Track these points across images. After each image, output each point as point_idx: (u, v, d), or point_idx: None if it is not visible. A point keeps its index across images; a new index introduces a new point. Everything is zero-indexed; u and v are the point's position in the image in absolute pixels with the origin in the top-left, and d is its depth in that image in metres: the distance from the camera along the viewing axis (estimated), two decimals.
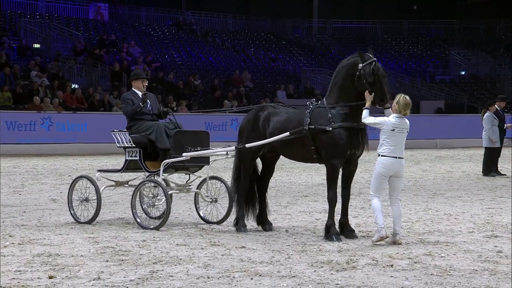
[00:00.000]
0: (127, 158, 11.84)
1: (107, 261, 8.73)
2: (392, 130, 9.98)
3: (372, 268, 8.32)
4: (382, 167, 9.98)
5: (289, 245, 9.78)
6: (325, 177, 10.52)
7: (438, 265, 8.48)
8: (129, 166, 11.90)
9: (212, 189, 11.86)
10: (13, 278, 7.82)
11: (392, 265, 8.46)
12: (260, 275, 7.95)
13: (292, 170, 21.42)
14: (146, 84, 12.29)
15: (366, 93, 10.14)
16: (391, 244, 9.85)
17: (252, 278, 7.82)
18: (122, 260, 8.75)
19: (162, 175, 11.51)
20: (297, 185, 17.75)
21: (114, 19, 47.56)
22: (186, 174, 12.06)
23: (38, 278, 7.85)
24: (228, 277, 7.87)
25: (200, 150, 11.46)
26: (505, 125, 21.17)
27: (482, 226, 11.49)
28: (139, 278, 7.81)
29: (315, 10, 54.24)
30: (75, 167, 22.50)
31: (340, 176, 10.48)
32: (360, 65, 10.23)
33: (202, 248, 9.57)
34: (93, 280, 7.73)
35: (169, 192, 11.46)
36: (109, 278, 7.82)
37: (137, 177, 12.59)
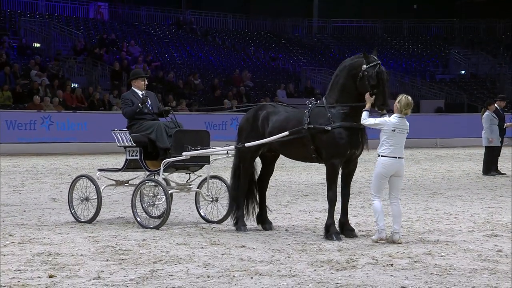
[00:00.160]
0: (128, 157, 11.84)
1: (107, 260, 8.73)
2: (393, 130, 9.99)
3: (372, 267, 8.32)
4: (382, 167, 9.99)
5: (289, 244, 9.79)
6: (325, 176, 10.52)
7: (438, 264, 8.48)
8: (130, 166, 11.90)
9: (213, 188, 11.86)
10: (13, 277, 7.83)
11: (392, 264, 8.46)
12: (260, 274, 7.95)
13: (292, 169, 21.42)
14: (146, 83, 12.30)
15: (367, 95, 10.13)
16: (391, 243, 9.85)
17: (252, 277, 7.82)
18: (122, 259, 8.75)
19: (163, 175, 11.51)
20: (297, 184, 17.75)
21: (114, 18, 47.57)
22: (186, 173, 12.06)
23: (38, 277, 7.85)
24: (228, 276, 7.87)
25: (200, 149, 11.46)
26: (505, 124, 21.17)
27: (482, 225, 11.50)
28: (139, 277, 7.82)
29: (315, 9, 54.26)
30: (75, 166, 22.50)
31: (339, 175, 10.48)
32: (364, 66, 10.21)
33: (202, 247, 9.57)
34: (93, 279, 7.73)
35: (170, 192, 11.46)
36: (109, 277, 7.83)
37: (138, 176, 12.59)
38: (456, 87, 47.09)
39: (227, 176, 11.56)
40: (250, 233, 10.86)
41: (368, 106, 10.10)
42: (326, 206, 10.53)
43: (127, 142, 11.74)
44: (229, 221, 11.41)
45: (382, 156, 10.02)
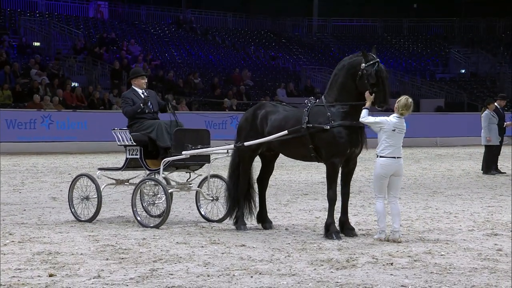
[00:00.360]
0: (128, 156, 11.85)
1: (107, 259, 8.73)
2: (393, 130, 10.01)
3: (372, 266, 8.32)
4: (382, 168, 10.01)
5: (289, 243, 9.79)
6: (325, 175, 10.52)
7: (438, 263, 8.49)
8: (130, 165, 11.90)
9: (213, 188, 11.87)
10: (13, 276, 7.83)
11: (392, 263, 8.46)
12: (260, 273, 7.96)
13: (292, 169, 21.42)
14: (146, 81, 12.30)
15: (367, 93, 10.13)
16: (391, 242, 9.86)
17: (252, 276, 7.82)
18: (122, 258, 8.75)
19: (163, 174, 11.51)
20: (297, 184, 17.75)
21: (114, 17, 47.56)
22: (186, 172, 12.06)
23: (38, 276, 7.86)
24: (228, 275, 7.87)
25: (200, 148, 11.46)
26: (505, 123, 21.17)
27: (482, 224, 11.50)
28: (139, 276, 7.82)
29: (315, 8, 54.25)
30: (75, 166, 22.50)
31: (339, 174, 10.48)
32: (363, 65, 10.21)
33: (202, 247, 9.58)
34: (93, 278, 7.73)
35: (170, 191, 11.46)
36: (109, 276, 7.83)
37: (138, 175, 12.60)
38: (456, 86, 47.09)
39: (227, 175, 11.55)
40: (250, 232, 10.86)
41: (368, 104, 10.11)
42: (326, 205, 10.53)
43: (127, 141, 11.74)
44: (229, 220, 11.41)
45: (381, 156, 10.04)
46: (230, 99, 35.78)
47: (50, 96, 30.92)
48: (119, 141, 11.87)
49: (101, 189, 11.76)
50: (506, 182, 18.29)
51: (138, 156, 11.69)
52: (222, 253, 9.11)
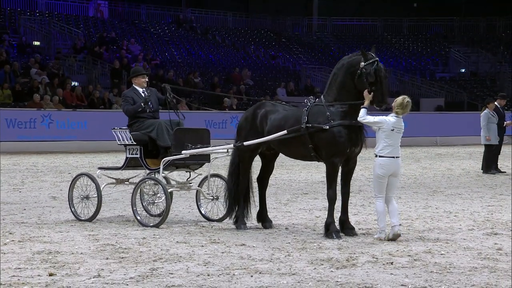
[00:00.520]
0: (128, 155, 11.85)
1: (107, 258, 8.73)
2: (392, 130, 10.02)
3: (372, 266, 8.32)
4: (381, 168, 10.02)
5: (289, 243, 9.79)
6: (324, 174, 10.52)
7: (438, 263, 8.49)
8: (130, 164, 11.91)
9: (213, 187, 11.87)
10: (13, 276, 7.83)
11: (392, 263, 8.47)
12: (260, 273, 7.96)
13: (292, 168, 21.42)
14: (147, 80, 12.29)
15: (366, 92, 10.13)
16: (391, 238, 9.88)
17: (252, 276, 7.82)
18: (122, 258, 8.75)
19: (163, 173, 11.51)
20: (297, 183, 17.75)
21: (114, 16, 47.56)
22: (186, 171, 12.06)
23: (38, 275, 7.86)
24: (228, 275, 7.87)
25: (200, 147, 11.46)
26: (505, 122, 21.16)
27: (482, 223, 11.50)
28: (139, 276, 7.82)
29: (315, 7, 54.27)
30: (75, 165, 22.50)
31: (339, 174, 10.48)
32: (362, 63, 10.21)
33: (202, 246, 9.58)
34: (93, 278, 7.73)
35: (169, 190, 11.47)
36: (109, 276, 7.83)
37: (138, 174, 12.60)
38: (456, 85, 47.09)
39: (227, 174, 11.56)
40: (250, 231, 10.86)
41: (366, 103, 10.11)
42: (326, 204, 10.53)
43: (127, 140, 11.74)
44: (229, 220, 11.40)
45: (380, 156, 10.05)
46: (230, 98, 35.75)
47: (50, 95, 30.91)
48: (119, 140, 11.87)
49: (101, 189, 11.77)
50: (506, 181, 18.30)
51: (138, 156, 11.69)
52: (222, 253, 9.11)
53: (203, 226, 11.27)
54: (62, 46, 38.80)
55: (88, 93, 32.89)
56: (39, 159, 24.88)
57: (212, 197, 11.80)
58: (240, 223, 11.07)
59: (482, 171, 20.71)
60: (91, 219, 11.69)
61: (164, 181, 11.66)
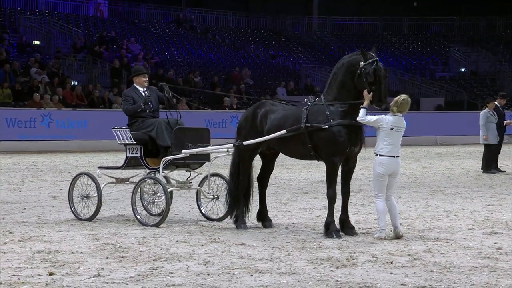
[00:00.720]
0: (128, 155, 11.85)
1: (107, 258, 8.74)
2: (391, 128, 10.02)
3: (372, 265, 8.33)
4: (381, 167, 10.03)
5: (289, 242, 9.79)
6: (324, 174, 10.52)
7: (438, 262, 8.49)
8: (130, 163, 11.91)
9: (214, 186, 11.87)
10: (13, 275, 7.83)
11: (392, 262, 8.47)
12: (260, 272, 7.96)
13: (292, 167, 21.43)
14: (147, 79, 12.29)
15: (365, 92, 10.14)
16: (393, 238, 9.88)
17: (252, 275, 7.83)
18: (122, 257, 8.76)
19: (163, 172, 11.51)
20: (297, 182, 17.75)
21: (114, 16, 47.55)
22: (187, 171, 12.06)
23: (38, 275, 7.86)
24: (228, 274, 7.87)
25: (200, 147, 11.46)
26: (505, 121, 21.16)
27: (482, 223, 11.50)
28: (139, 275, 7.82)
29: (315, 7, 54.25)
30: (75, 164, 22.50)
31: (339, 173, 10.48)
32: (362, 63, 10.21)
33: (202, 245, 9.58)
34: (93, 277, 7.74)
35: (169, 189, 11.47)
36: (109, 275, 7.83)
37: (138, 174, 12.60)
38: (456, 84, 47.08)
39: (227, 173, 11.57)
40: (250, 231, 10.87)
41: (366, 103, 10.11)
42: (326, 203, 10.53)
43: (127, 139, 11.75)
44: (229, 219, 11.41)
45: (380, 155, 10.05)
46: (230, 97, 35.75)
47: (50, 94, 30.91)
48: (119, 139, 11.88)
49: (101, 188, 11.77)
50: (506, 180, 18.30)
51: (138, 155, 11.70)
52: (222, 252, 9.12)
53: (203, 226, 11.27)
54: (62, 46, 38.80)
55: (88, 93, 32.88)
56: (39, 158, 24.89)
57: (212, 197, 11.80)
58: (240, 223, 11.07)
59: (482, 170, 20.71)
60: (91, 219, 11.69)
61: (164, 180, 11.67)
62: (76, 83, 34.37)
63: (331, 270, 8.07)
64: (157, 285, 7.40)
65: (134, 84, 12.17)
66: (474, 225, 11.29)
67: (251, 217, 11.33)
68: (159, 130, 11.54)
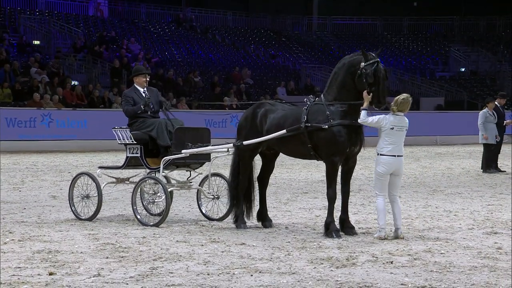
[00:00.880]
0: (128, 155, 11.85)
1: (107, 257, 8.74)
2: (391, 128, 10.02)
3: (372, 265, 8.33)
4: (382, 166, 10.02)
5: (289, 242, 9.79)
6: (324, 174, 10.52)
7: (437, 262, 8.49)
8: (130, 163, 11.91)
9: (214, 186, 11.87)
10: (13, 275, 7.83)
11: (392, 262, 8.47)
12: (260, 272, 7.96)
13: (292, 167, 21.42)
14: (148, 79, 12.29)
15: (365, 93, 10.13)
16: (393, 239, 9.88)
17: (252, 275, 7.83)
18: (122, 257, 8.76)
19: (163, 172, 11.52)
20: (297, 182, 17.75)
21: (114, 15, 47.54)
22: (187, 171, 12.06)
23: (38, 274, 7.86)
24: (228, 274, 7.87)
25: (200, 146, 11.46)
26: (505, 121, 21.16)
27: (482, 222, 11.51)
28: (139, 275, 7.82)
29: (315, 6, 54.24)
30: (75, 164, 22.50)
31: (339, 173, 10.48)
32: (363, 64, 10.21)
33: (202, 245, 9.58)
34: (93, 277, 7.74)
35: (170, 189, 11.48)
36: (109, 275, 7.84)
37: (138, 173, 12.60)
38: (456, 84, 47.07)
39: (228, 173, 11.57)
40: (250, 230, 10.87)
41: (366, 104, 10.11)
42: (326, 203, 10.53)
43: (127, 139, 11.75)
44: (229, 219, 11.41)
45: (381, 154, 10.04)
46: (230, 97, 35.74)
47: (50, 94, 30.91)
48: (119, 139, 11.88)
49: (102, 188, 11.77)
50: (506, 180, 18.30)
51: (138, 155, 11.70)
52: (222, 252, 9.12)
53: (203, 225, 11.27)
54: (62, 45, 38.79)
55: (88, 92, 32.88)
56: (39, 158, 24.88)
57: (212, 196, 11.80)
58: (240, 222, 11.08)
59: (482, 170, 20.71)
60: (91, 218, 11.69)
61: (164, 180, 11.67)
62: (76, 83, 34.36)
63: (331, 270, 8.07)
64: (157, 285, 7.41)
65: (135, 84, 12.16)
66: (474, 225, 11.29)
67: (253, 217, 11.32)
68: (159, 130, 11.54)
